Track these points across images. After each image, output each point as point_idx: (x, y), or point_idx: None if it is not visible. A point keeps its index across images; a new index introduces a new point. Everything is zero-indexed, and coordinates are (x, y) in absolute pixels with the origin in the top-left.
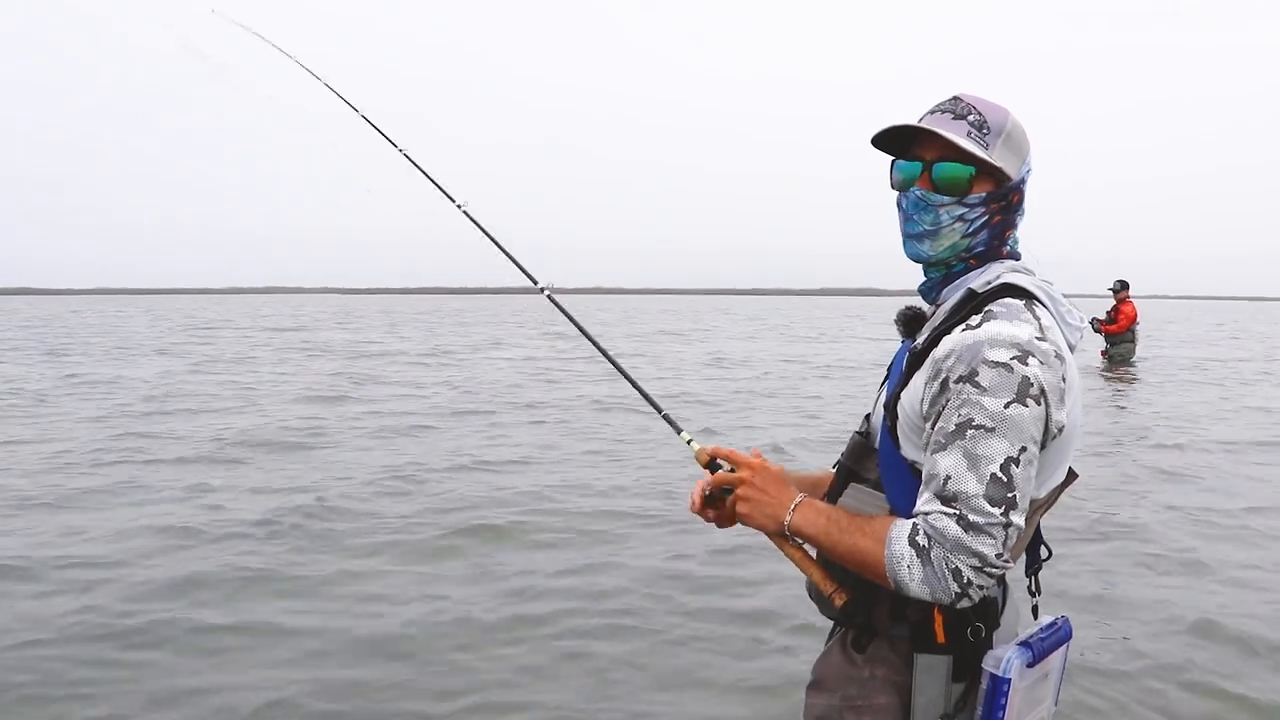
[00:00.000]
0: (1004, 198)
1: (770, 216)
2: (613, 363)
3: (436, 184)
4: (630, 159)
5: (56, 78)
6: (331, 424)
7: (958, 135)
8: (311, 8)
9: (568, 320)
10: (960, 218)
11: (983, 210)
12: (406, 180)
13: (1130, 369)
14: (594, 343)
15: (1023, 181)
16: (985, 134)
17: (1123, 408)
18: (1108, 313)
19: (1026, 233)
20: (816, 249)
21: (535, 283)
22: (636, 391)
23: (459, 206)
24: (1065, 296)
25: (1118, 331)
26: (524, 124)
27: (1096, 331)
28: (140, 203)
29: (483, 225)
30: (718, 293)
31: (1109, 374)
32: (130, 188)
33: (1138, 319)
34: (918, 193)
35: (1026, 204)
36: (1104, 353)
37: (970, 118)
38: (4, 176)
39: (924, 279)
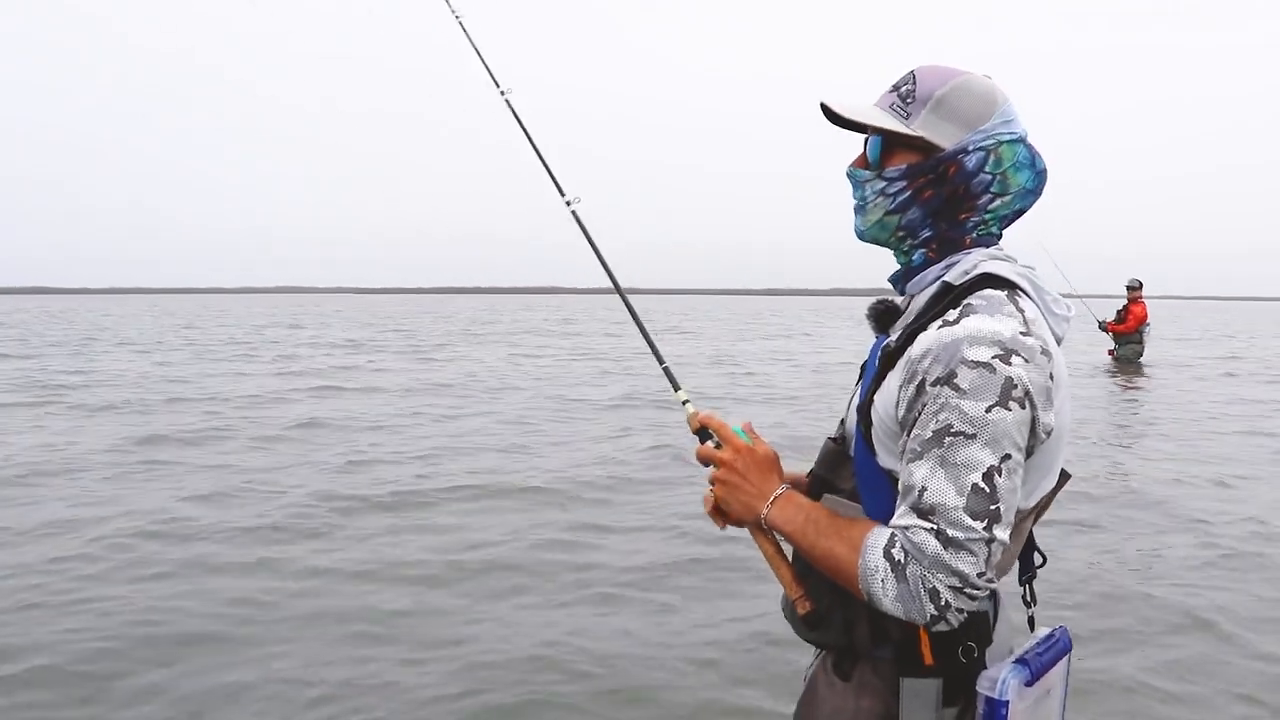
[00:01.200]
0: (931, 170)
1: (775, 216)
2: (626, 303)
3: (486, 65)
4: (630, 159)
5: (57, 77)
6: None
7: (881, 107)
8: (310, 7)
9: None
10: (881, 192)
11: (904, 184)
12: (413, 178)
13: (1136, 370)
14: (611, 275)
15: (962, 153)
16: (909, 103)
17: (1134, 412)
18: (1118, 312)
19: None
20: (828, 250)
21: (563, 194)
22: (644, 338)
23: (503, 93)
24: (1074, 297)
25: (1125, 332)
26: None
27: (1104, 331)
28: (147, 203)
29: (522, 122)
30: (732, 293)
31: (1115, 375)
32: (134, 187)
33: (1147, 320)
34: (848, 169)
35: (1011, 185)
36: (1111, 353)
37: (903, 88)
38: (14, 177)
39: (895, 268)
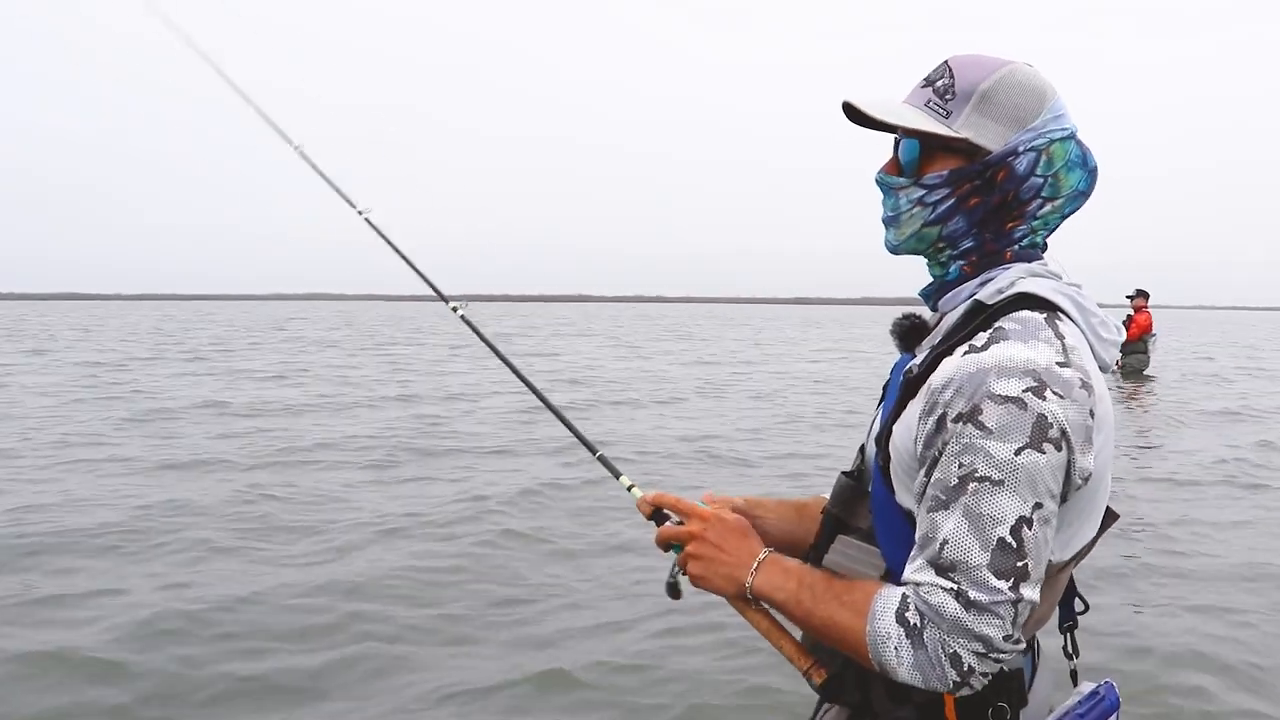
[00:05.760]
0: (977, 175)
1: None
2: (536, 393)
3: (337, 189)
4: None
5: (95, 82)
6: None
7: (914, 105)
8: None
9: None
10: (919, 201)
11: (946, 191)
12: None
13: (1144, 381)
14: (514, 369)
15: (1012, 155)
16: (948, 100)
17: (1144, 430)
18: (1122, 321)
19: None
20: (872, 255)
21: (445, 300)
22: (568, 429)
23: (360, 214)
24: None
25: (1130, 340)
26: (538, 119)
27: None
28: (181, 206)
29: (388, 236)
30: (756, 302)
31: (1123, 385)
32: (168, 192)
33: (1152, 329)
34: (878, 176)
35: (1063, 187)
36: (1117, 363)
37: (939, 83)
38: (42, 181)
39: (928, 281)
